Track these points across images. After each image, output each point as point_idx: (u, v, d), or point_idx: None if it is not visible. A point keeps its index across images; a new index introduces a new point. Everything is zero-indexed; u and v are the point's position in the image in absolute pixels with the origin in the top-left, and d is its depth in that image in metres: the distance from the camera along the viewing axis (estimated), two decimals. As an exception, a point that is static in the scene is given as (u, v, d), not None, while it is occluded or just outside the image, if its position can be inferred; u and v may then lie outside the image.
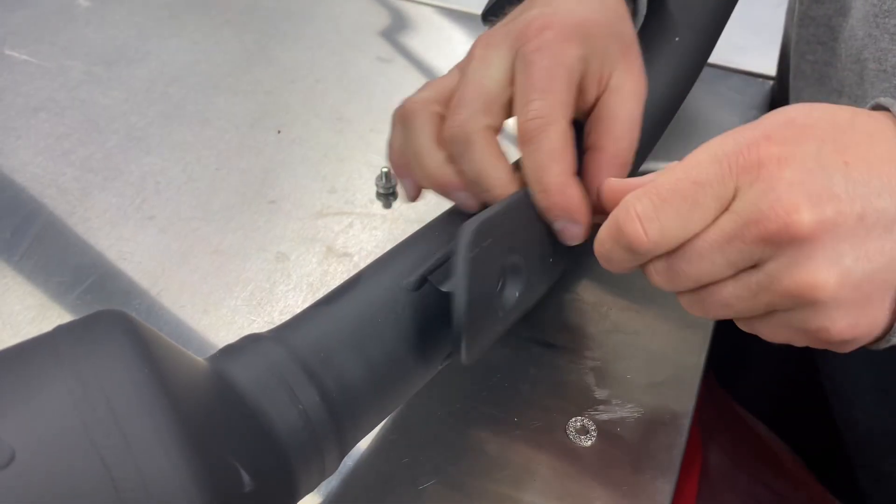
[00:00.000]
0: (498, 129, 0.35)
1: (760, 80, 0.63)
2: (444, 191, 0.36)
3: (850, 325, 0.29)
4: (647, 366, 0.42)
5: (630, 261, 0.31)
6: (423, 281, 0.32)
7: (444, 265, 0.32)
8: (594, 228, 0.33)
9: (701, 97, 0.60)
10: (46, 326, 0.25)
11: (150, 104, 0.58)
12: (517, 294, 0.34)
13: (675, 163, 0.32)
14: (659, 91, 0.36)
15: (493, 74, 0.35)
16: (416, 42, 0.66)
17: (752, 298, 0.29)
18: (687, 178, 0.29)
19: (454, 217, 0.37)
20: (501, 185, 0.34)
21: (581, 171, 0.35)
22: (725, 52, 0.55)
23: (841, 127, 0.29)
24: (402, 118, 0.37)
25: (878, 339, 0.30)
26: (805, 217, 0.27)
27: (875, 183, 0.27)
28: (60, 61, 0.62)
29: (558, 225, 0.34)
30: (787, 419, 0.63)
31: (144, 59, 0.62)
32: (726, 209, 0.29)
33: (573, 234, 0.34)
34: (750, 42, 0.64)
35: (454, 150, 0.35)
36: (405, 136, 0.37)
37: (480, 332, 0.32)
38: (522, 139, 0.33)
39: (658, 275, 0.31)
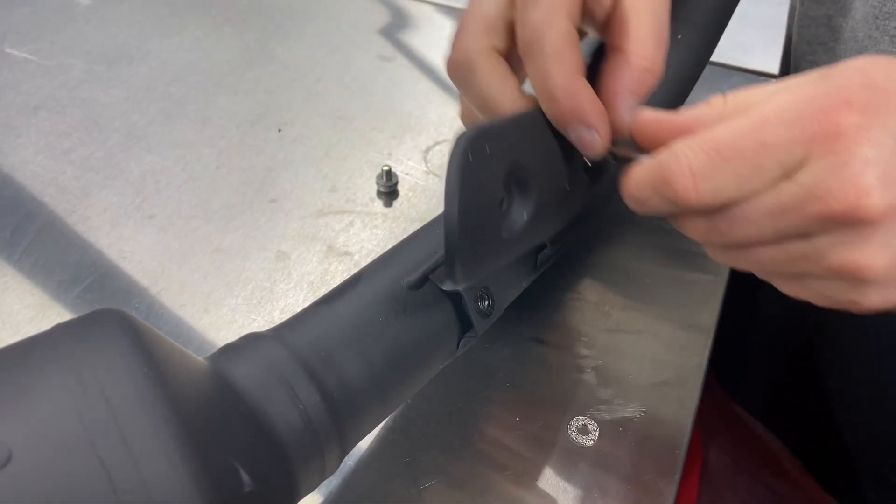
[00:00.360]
0: (504, 52, 0.33)
1: (764, 78, 0.63)
2: None
3: (882, 300, 0.28)
4: (649, 366, 0.41)
5: (667, 210, 0.29)
6: (424, 279, 0.32)
7: (445, 263, 0.32)
8: (620, 164, 0.31)
9: (703, 96, 0.60)
10: (46, 325, 0.25)
11: (151, 103, 0.58)
12: (525, 216, 0.32)
13: (721, 99, 0.29)
14: (660, 90, 0.36)
15: None
16: (418, 40, 0.66)
17: (789, 263, 0.28)
18: (752, 138, 0.26)
19: None
20: (511, 106, 0.32)
21: (603, 78, 0.32)
22: (728, 49, 0.55)
23: None
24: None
25: None
26: (876, 202, 0.25)
27: None
28: (61, 60, 0.62)
29: (573, 134, 0.31)
30: (788, 420, 0.63)
31: (145, 58, 0.62)
32: (787, 176, 0.26)
33: (590, 142, 0.31)
34: (753, 40, 0.64)
35: (459, 79, 0.33)
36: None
37: (478, 251, 0.30)
38: (522, 52, 0.31)
39: (694, 229, 0.29)
